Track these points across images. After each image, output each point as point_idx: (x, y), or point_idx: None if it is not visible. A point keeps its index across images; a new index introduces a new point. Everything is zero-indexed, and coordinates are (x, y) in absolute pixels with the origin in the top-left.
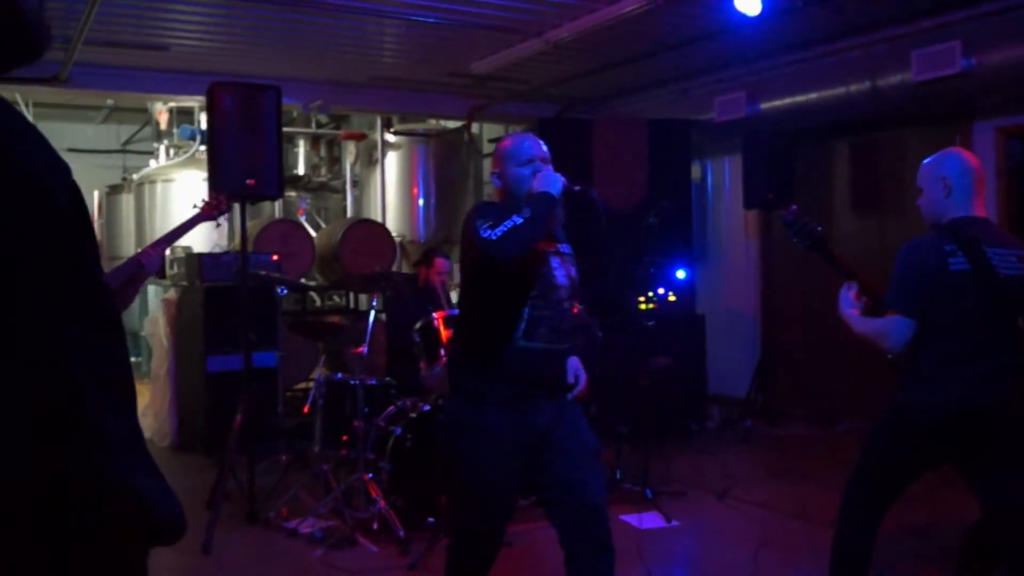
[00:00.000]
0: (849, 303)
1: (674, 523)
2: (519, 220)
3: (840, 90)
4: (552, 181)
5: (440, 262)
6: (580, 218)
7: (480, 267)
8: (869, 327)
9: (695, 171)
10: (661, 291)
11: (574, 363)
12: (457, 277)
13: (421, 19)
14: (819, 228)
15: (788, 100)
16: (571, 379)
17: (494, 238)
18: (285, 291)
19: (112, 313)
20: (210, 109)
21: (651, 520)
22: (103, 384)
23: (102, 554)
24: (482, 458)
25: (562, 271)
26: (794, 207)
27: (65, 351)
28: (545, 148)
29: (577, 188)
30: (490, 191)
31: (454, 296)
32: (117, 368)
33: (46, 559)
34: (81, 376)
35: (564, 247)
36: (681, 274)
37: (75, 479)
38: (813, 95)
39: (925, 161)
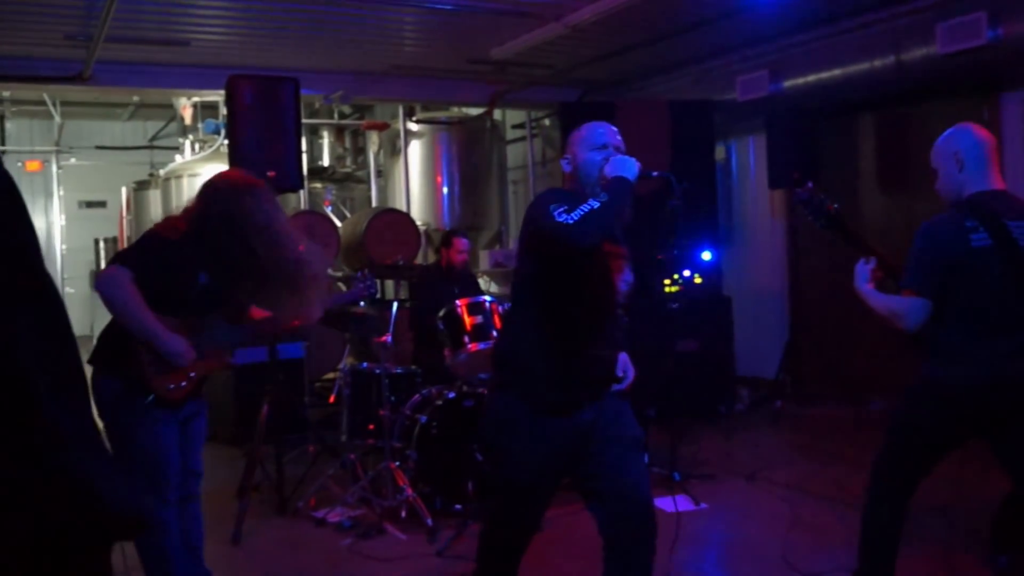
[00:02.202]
0: (866, 277)
1: (703, 506)
2: (596, 204)
3: (864, 65)
4: (627, 166)
5: (459, 241)
6: (652, 204)
7: (548, 260)
8: (885, 304)
9: (719, 152)
10: (687, 273)
11: (623, 358)
12: (482, 263)
13: (440, 6)
14: (835, 205)
15: (811, 77)
16: (619, 373)
17: (571, 222)
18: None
19: (56, 302)
20: (230, 102)
21: (680, 503)
22: (52, 377)
23: (61, 552)
24: (522, 456)
25: (621, 275)
26: (809, 184)
27: (18, 352)
28: (620, 138)
29: (655, 174)
30: (514, 177)
31: (482, 282)
32: (65, 359)
33: (4, 555)
34: (30, 371)
35: (624, 248)
36: (707, 256)
37: (30, 478)
38: (837, 71)
39: (936, 141)
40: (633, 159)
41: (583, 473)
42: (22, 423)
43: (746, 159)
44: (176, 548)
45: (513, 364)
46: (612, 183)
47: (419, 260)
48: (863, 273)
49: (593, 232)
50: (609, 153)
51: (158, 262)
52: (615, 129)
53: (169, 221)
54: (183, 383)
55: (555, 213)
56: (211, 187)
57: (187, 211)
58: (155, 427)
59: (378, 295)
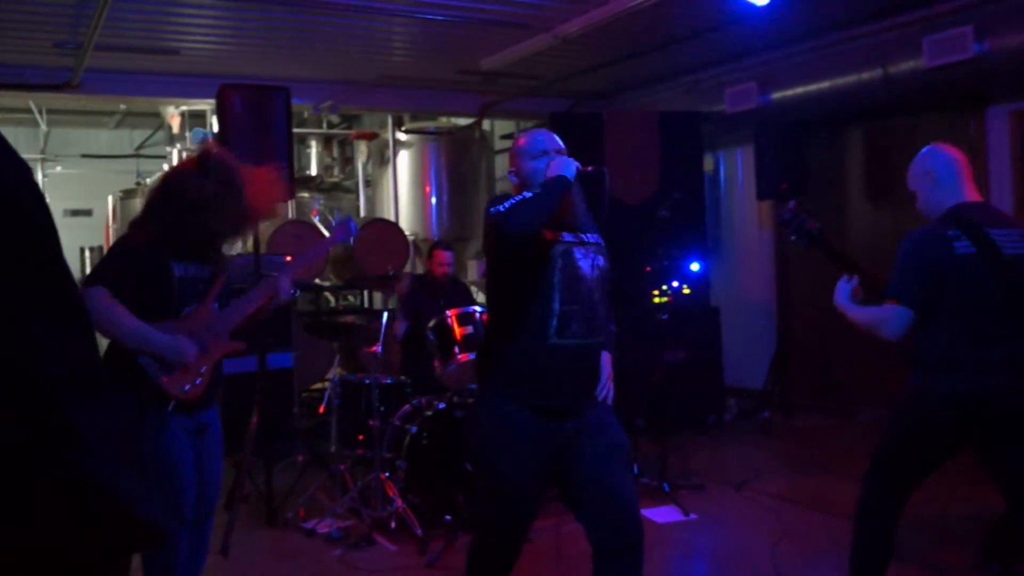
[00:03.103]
0: (846, 294)
1: (692, 516)
2: (527, 195)
3: (852, 78)
4: (565, 165)
5: (439, 254)
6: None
7: (496, 254)
8: (867, 316)
9: (707, 163)
10: (675, 284)
11: (604, 357)
12: (470, 274)
13: (430, 17)
14: (817, 224)
15: (799, 89)
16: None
17: (502, 210)
18: (297, 292)
19: (80, 308)
20: (220, 111)
21: (669, 514)
22: (77, 382)
23: (80, 557)
24: (507, 459)
25: (587, 261)
26: (792, 204)
27: (37, 350)
28: (560, 141)
29: (590, 168)
30: (503, 187)
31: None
32: (89, 364)
33: (22, 562)
34: (55, 375)
35: (589, 236)
36: (695, 267)
37: (51, 482)
38: (825, 84)
39: (910, 166)
40: (571, 160)
41: (569, 481)
42: (43, 425)
43: (734, 170)
44: (183, 567)
45: (491, 362)
46: (548, 180)
47: (407, 270)
48: (844, 290)
49: (522, 219)
50: (551, 158)
51: (130, 265)
52: (554, 135)
53: (132, 224)
54: (197, 380)
55: (491, 208)
56: (167, 176)
57: (146, 204)
58: (169, 443)
59: (367, 306)
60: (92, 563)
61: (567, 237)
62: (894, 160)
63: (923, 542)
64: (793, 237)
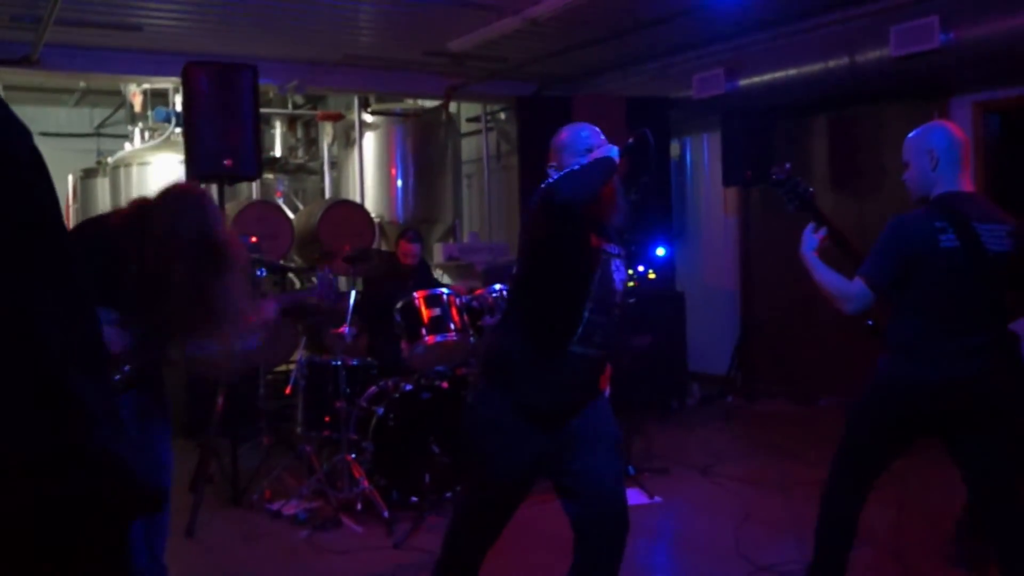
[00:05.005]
0: (813, 245)
1: (657, 499)
2: (575, 167)
3: (819, 66)
4: (609, 150)
5: (405, 245)
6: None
7: (541, 247)
8: (834, 283)
9: (674, 149)
10: (641, 269)
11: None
12: (436, 257)
13: None
14: (811, 189)
15: (767, 76)
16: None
17: (553, 180)
18: (265, 272)
19: (83, 288)
20: (186, 89)
21: (634, 497)
22: (78, 352)
23: (87, 523)
24: (501, 459)
25: (620, 275)
26: (787, 166)
27: (41, 322)
28: (603, 136)
29: (631, 140)
30: (468, 170)
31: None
32: (90, 334)
33: (32, 528)
34: (58, 346)
35: (614, 248)
36: (661, 252)
37: (60, 450)
38: (792, 71)
39: (911, 134)
40: (614, 146)
41: (559, 469)
42: (49, 395)
43: (700, 156)
44: (138, 542)
45: (504, 366)
46: (596, 159)
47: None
48: (811, 240)
49: (570, 187)
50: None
51: (89, 243)
52: (597, 129)
53: (118, 209)
54: (116, 377)
55: (544, 186)
56: (174, 195)
57: (138, 203)
58: None
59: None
60: (101, 527)
61: (608, 247)
62: (859, 148)
63: (886, 527)
64: (785, 199)
